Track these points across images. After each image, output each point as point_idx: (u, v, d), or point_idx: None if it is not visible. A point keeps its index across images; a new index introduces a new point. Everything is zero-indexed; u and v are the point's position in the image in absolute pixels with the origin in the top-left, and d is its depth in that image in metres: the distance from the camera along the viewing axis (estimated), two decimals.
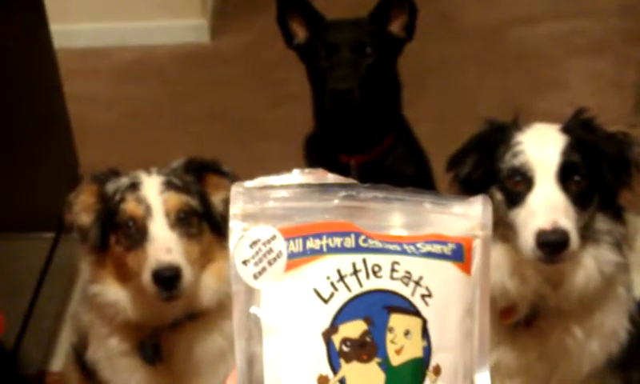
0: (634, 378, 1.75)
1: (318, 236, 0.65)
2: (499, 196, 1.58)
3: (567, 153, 1.54)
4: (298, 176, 0.67)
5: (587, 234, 1.55)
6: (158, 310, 1.67)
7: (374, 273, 0.65)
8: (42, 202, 2.59)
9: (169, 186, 1.67)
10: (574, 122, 1.60)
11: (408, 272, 0.65)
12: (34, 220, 2.57)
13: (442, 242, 0.68)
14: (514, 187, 1.56)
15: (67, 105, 2.78)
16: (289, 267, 0.64)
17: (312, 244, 0.64)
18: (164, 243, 1.60)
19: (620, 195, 1.61)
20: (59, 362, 2.39)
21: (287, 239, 0.64)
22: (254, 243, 0.64)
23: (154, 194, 1.65)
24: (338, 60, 2.06)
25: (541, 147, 1.56)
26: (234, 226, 0.65)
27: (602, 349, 1.63)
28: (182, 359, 1.74)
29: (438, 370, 0.65)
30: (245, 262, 0.64)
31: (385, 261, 0.65)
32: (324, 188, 0.67)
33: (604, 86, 3.37)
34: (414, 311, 0.65)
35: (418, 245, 0.67)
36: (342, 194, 0.67)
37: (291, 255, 0.64)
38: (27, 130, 2.50)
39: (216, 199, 1.74)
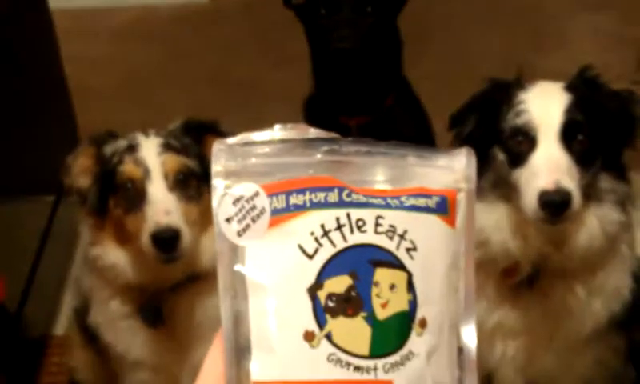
0: (637, 336, 1.74)
1: (301, 191, 0.64)
2: (501, 156, 1.57)
3: (570, 111, 1.52)
4: (280, 131, 0.66)
5: (590, 193, 1.54)
6: (158, 272, 1.66)
7: (359, 227, 0.64)
8: (42, 165, 2.57)
9: (167, 147, 1.66)
10: (578, 80, 1.58)
11: (392, 226, 0.64)
12: (34, 183, 2.57)
13: (426, 195, 0.67)
14: (516, 147, 1.54)
15: (65, 66, 2.75)
16: (272, 224, 0.63)
17: (295, 199, 0.64)
18: (163, 205, 1.60)
19: (624, 154, 1.59)
20: (62, 325, 2.40)
21: (270, 195, 0.63)
22: (237, 200, 0.63)
23: (152, 156, 1.64)
24: (339, 19, 2.03)
25: (544, 106, 1.54)
26: (217, 184, 0.64)
27: (604, 308, 1.62)
28: (184, 322, 1.73)
29: (424, 323, 0.64)
30: (228, 220, 0.63)
31: (369, 215, 0.64)
32: (306, 143, 0.66)
33: (607, 42, 3.33)
34: (398, 265, 0.64)
35: (402, 198, 0.66)
36: (325, 148, 0.66)
37: (274, 211, 0.63)
38: (24, 93, 2.47)
39: None
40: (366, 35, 2.03)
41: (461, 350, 0.67)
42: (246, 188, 0.64)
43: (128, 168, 1.63)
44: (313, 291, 0.62)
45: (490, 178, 1.59)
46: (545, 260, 1.58)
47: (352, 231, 0.64)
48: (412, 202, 0.66)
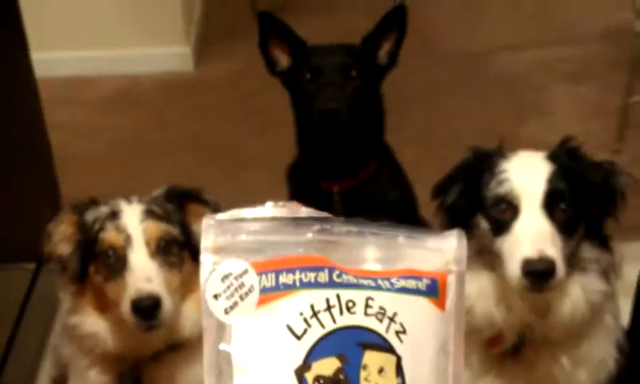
0: None
1: (291, 270, 0.64)
2: (485, 224, 1.57)
3: (553, 180, 1.53)
4: (271, 209, 0.66)
5: (573, 262, 1.54)
6: (138, 340, 1.64)
7: (348, 309, 0.64)
8: (23, 232, 2.54)
9: (149, 214, 1.65)
10: (559, 150, 1.59)
11: (382, 308, 0.65)
12: (15, 250, 2.54)
13: (417, 277, 0.67)
14: (499, 215, 1.54)
15: (50, 134, 2.75)
16: (261, 302, 0.63)
17: (285, 279, 0.64)
18: (144, 272, 1.58)
19: (606, 223, 1.59)
20: None
21: (259, 273, 0.64)
22: (226, 277, 0.63)
23: (134, 223, 1.63)
24: (324, 82, 2.06)
25: (526, 175, 1.55)
26: (205, 259, 0.65)
27: (590, 378, 1.61)
28: None
29: None
30: (216, 296, 0.63)
31: (359, 296, 0.64)
32: (297, 221, 0.66)
33: (588, 111, 3.39)
34: (388, 348, 0.64)
35: (393, 280, 0.66)
36: (316, 227, 0.66)
37: (264, 290, 0.63)
38: (7, 159, 2.46)
39: (197, 228, 1.70)
40: (351, 99, 2.06)
41: None
42: (235, 265, 0.64)
43: (109, 235, 1.62)
44: (300, 373, 0.61)
45: (474, 247, 1.58)
46: (529, 329, 1.57)
47: (341, 312, 0.64)
48: (402, 283, 0.67)
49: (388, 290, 0.66)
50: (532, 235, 1.48)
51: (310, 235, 0.66)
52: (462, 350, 0.67)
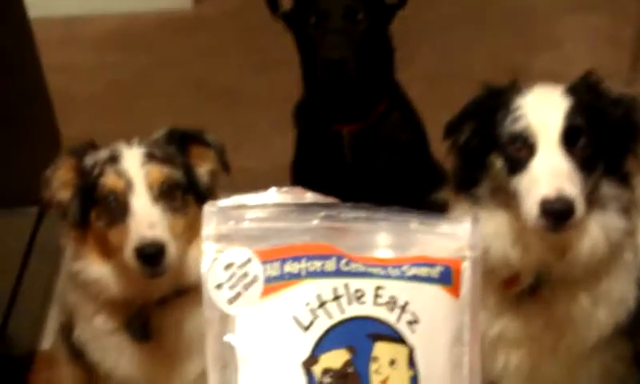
0: None
1: (297, 259, 0.62)
2: (500, 163, 1.52)
3: (571, 116, 1.47)
4: (275, 195, 0.64)
5: (592, 199, 1.49)
6: (144, 286, 1.61)
7: (357, 298, 0.62)
8: (25, 177, 2.50)
9: (150, 157, 1.60)
10: (578, 84, 1.53)
11: (393, 297, 0.62)
12: (17, 194, 2.50)
13: (429, 264, 0.65)
14: (515, 153, 1.49)
15: (48, 76, 2.70)
16: (266, 292, 0.61)
17: (290, 268, 0.61)
18: (147, 218, 1.54)
19: (626, 160, 1.54)
20: (49, 340, 2.34)
21: (264, 262, 0.62)
22: (229, 266, 0.61)
23: (134, 167, 1.58)
24: (329, 28, 1.98)
25: (543, 111, 1.49)
26: (207, 248, 0.62)
27: (609, 317, 1.57)
28: (172, 336, 1.68)
29: None
30: (219, 286, 0.61)
31: (368, 285, 0.62)
32: (303, 208, 0.64)
33: (600, 42, 3.31)
34: (399, 339, 0.61)
35: (404, 268, 0.64)
36: (322, 213, 0.64)
37: (268, 279, 0.61)
38: (5, 103, 2.41)
39: (201, 171, 1.68)
40: (357, 43, 1.98)
41: None
42: (239, 253, 0.62)
43: (110, 180, 1.58)
44: (307, 366, 0.59)
45: (489, 186, 1.54)
46: (547, 269, 1.53)
47: (350, 302, 0.62)
48: (414, 271, 0.64)
49: (399, 278, 0.64)
50: (550, 174, 1.43)
51: (316, 222, 0.64)
52: (479, 340, 0.67)
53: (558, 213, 1.39)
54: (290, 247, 0.62)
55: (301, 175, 2.27)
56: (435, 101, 2.58)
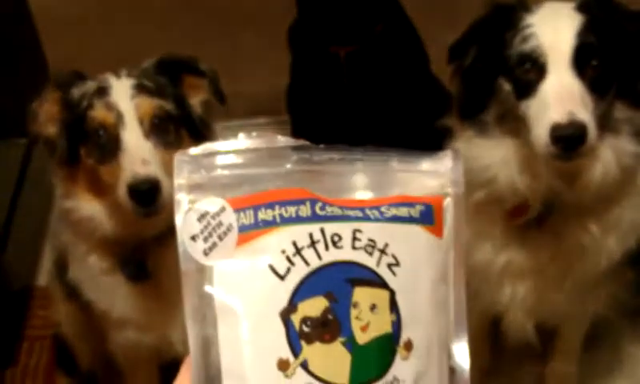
0: None
1: (270, 206, 0.59)
2: (508, 86, 1.45)
3: (583, 34, 1.39)
4: (246, 140, 0.60)
5: (605, 123, 1.42)
6: (138, 224, 1.55)
7: (334, 243, 0.59)
8: (11, 106, 2.43)
9: (141, 89, 1.52)
10: (591, 1, 1.44)
11: (372, 240, 0.60)
12: (4, 125, 2.43)
13: (409, 203, 0.62)
14: (524, 75, 1.42)
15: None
16: (241, 241, 0.58)
17: (264, 215, 0.59)
18: (139, 154, 1.47)
19: None
20: (45, 275, 2.30)
21: (237, 210, 0.59)
22: (203, 216, 0.59)
23: (124, 99, 1.51)
24: None
25: (553, 29, 1.41)
26: (180, 198, 0.59)
27: (619, 244, 1.53)
28: (169, 275, 1.61)
29: (409, 346, 0.60)
30: (194, 238, 0.59)
31: (345, 229, 0.59)
32: (275, 152, 0.61)
33: None
34: (380, 283, 0.59)
35: (382, 209, 0.61)
36: (295, 157, 0.61)
37: (242, 228, 0.58)
38: None
39: (194, 101, 1.61)
40: None
41: (453, 371, 0.62)
42: (212, 203, 0.59)
43: (99, 113, 1.50)
44: (286, 315, 0.57)
45: (496, 112, 1.48)
46: (556, 197, 1.48)
47: (327, 248, 0.59)
48: (393, 212, 0.61)
49: (377, 219, 0.61)
50: (561, 97, 1.36)
51: (288, 166, 0.62)
52: (464, 279, 0.63)
53: (569, 139, 1.33)
54: (264, 194, 0.59)
55: (297, 100, 2.20)
56: (436, 16, 2.48)
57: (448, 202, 0.63)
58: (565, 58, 1.38)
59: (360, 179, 0.62)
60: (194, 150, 0.60)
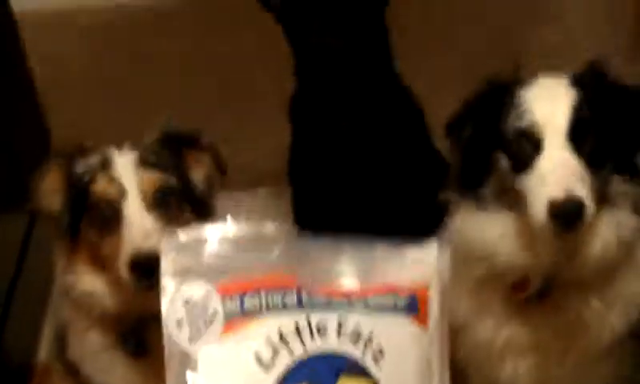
0: None
1: (257, 293, 0.59)
2: (505, 161, 1.46)
3: (578, 109, 1.41)
4: (234, 225, 0.60)
5: (603, 197, 1.43)
6: (140, 299, 1.54)
7: (319, 332, 0.61)
8: (12, 178, 2.45)
9: (143, 163, 1.55)
10: (585, 75, 1.46)
11: (357, 330, 0.62)
12: (5, 198, 2.43)
13: (395, 293, 0.62)
14: (520, 151, 1.43)
15: (37, 69, 2.62)
16: (226, 329, 0.61)
17: (250, 302, 0.60)
18: (141, 228, 1.48)
19: (637, 154, 1.47)
20: (45, 350, 2.28)
21: (224, 297, 0.59)
22: (188, 302, 0.59)
23: (127, 173, 1.53)
24: (320, 14, 1.90)
25: (548, 104, 1.43)
26: (166, 283, 0.58)
27: (622, 318, 1.52)
28: None
29: None
30: (179, 323, 0.59)
31: (331, 319, 0.61)
32: (262, 238, 0.59)
33: (600, 16, 3.21)
34: (364, 373, 0.61)
35: (368, 298, 0.61)
36: (282, 244, 0.60)
37: (228, 315, 0.61)
38: None
39: (196, 175, 1.63)
40: (350, 29, 1.89)
41: None
42: (198, 288, 0.59)
43: (101, 187, 1.53)
44: None
45: (493, 186, 1.49)
46: (556, 272, 1.47)
47: (312, 337, 0.61)
48: (379, 301, 0.63)
49: (363, 310, 0.61)
50: (558, 172, 1.37)
51: (276, 253, 0.60)
52: (447, 369, 0.67)
53: (567, 214, 1.34)
54: (250, 282, 0.61)
55: (298, 171, 2.21)
56: (430, 76, 2.50)
57: (433, 292, 0.64)
58: (560, 134, 1.39)
59: (346, 267, 0.62)
60: (182, 235, 0.61)
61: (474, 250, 1.48)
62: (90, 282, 1.56)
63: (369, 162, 2.07)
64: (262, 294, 0.59)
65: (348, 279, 0.62)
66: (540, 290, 1.50)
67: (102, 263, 1.54)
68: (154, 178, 1.53)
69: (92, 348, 1.64)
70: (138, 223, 1.48)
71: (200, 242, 0.61)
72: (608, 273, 1.48)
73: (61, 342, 1.77)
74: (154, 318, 1.55)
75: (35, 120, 2.66)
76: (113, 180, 1.52)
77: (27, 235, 2.46)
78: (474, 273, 1.50)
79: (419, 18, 3.28)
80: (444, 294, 0.64)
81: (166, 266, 0.61)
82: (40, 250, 2.40)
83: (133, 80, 3.24)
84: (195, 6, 3.66)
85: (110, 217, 1.51)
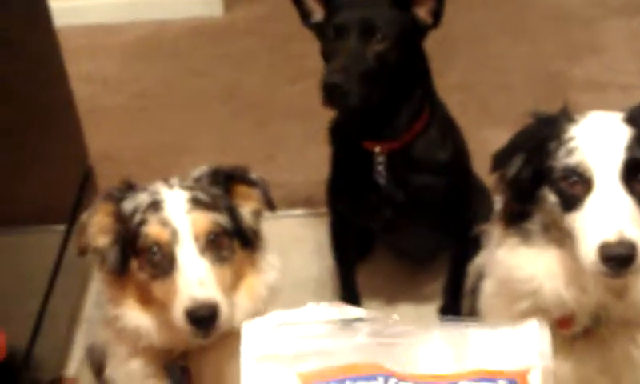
0: None
1: (342, 382, 0.56)
2: (553, 198, 1.43)
3: (633, 148, 1.36)
4: (315, 310, 0.57)
5: None
6: (187, 337, 1.51)
7: None
8: (51, 193, 2.45)
9: (195, 203, 1.51)
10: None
11: None
12: (44, 212, 2.43)
13: (491, 378, 0.58)
14: (569, 189, 1.39)
15: (75, 86, 2.63)
16: None
17: None
18: (196, 274, 1.45)
19: None
20: (75, 365, 2.27)
21: None
22: None
23: (179, 215, 1.49)
24: (340, 47, 1.90)
25: (600, 142, 1.39)
26: (247, 369, 0.56)
27: None
28: (211, 380, 1.60)
29: None
30: None
31: None
32: (345, 323, 0.56)
33: None
34: None
35: None
36: (367, 329, 0.57)
37: None
38: (29, 116, 2.34)
39: (245, 211, 1.59)
40: (369, 66, 1.88)
41: None
42: (280, 376, 0.55)
43: (154, 230, 1.48)
44: None
45: (541, 221, 1.45)
46: (604, 310, 1.45)
47: None
48: None
49: None
50: (610, 214, 1.33)
51: (360, 339, 0.57)
52: None
53: (619, 258, 1.30)
54: (335, 369, 0.57)
55: (336, 195, 2.20)
56: (471, 109, 2.49)
57: (535, 375, 0.60)
58: (613, 173, 1.36)
59: (435, 350, 0.58)
60: (262, 321, 0.58)
61: (518, 284, 1.45)
62: (137, 318, 1.54)
63: (405, 190, 2.05)
64: (347, 382, 0.57)
65: (439, 365, 0.58)
66: (586, 327, 1.47)
67: (152, 302, 1.52)
68: (207, 219, 1.49)
69: (134, 374, 1.62)
70: (193, 269, 1.45)
71: (280, 327, 0.58)
72: None
73: (97, 365, 1.75)
74: (200, 349, 1.55)
75: (72, 138, 2.66)
76: (165, 222, 1.48)
77: (61, 250, 2.45)
78: (518, 306, 1.47)
79: (466, 50, 3.28)
80: (547, 378, 0.59)
81: (247, 351, 0.57)
82: (73, 266, 2.41)
83: (168, 101, 3.25)
84: (236, 26, 3.67)
85: (162, 260, 1.47)
